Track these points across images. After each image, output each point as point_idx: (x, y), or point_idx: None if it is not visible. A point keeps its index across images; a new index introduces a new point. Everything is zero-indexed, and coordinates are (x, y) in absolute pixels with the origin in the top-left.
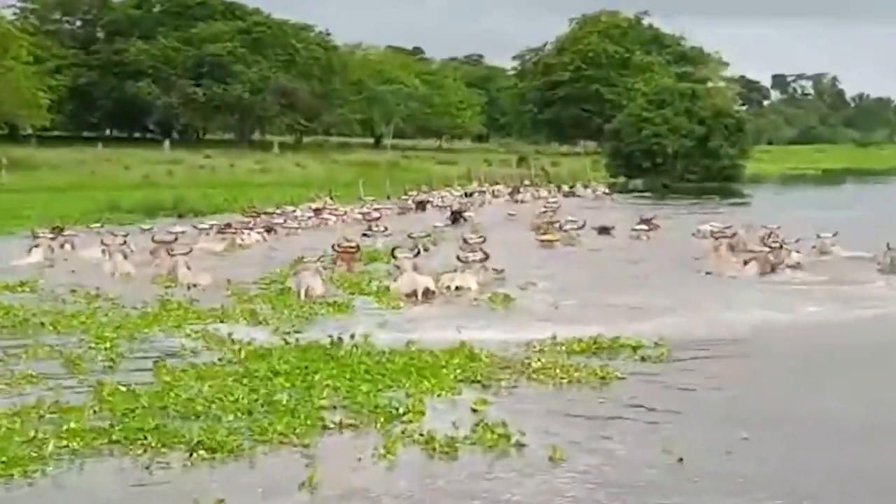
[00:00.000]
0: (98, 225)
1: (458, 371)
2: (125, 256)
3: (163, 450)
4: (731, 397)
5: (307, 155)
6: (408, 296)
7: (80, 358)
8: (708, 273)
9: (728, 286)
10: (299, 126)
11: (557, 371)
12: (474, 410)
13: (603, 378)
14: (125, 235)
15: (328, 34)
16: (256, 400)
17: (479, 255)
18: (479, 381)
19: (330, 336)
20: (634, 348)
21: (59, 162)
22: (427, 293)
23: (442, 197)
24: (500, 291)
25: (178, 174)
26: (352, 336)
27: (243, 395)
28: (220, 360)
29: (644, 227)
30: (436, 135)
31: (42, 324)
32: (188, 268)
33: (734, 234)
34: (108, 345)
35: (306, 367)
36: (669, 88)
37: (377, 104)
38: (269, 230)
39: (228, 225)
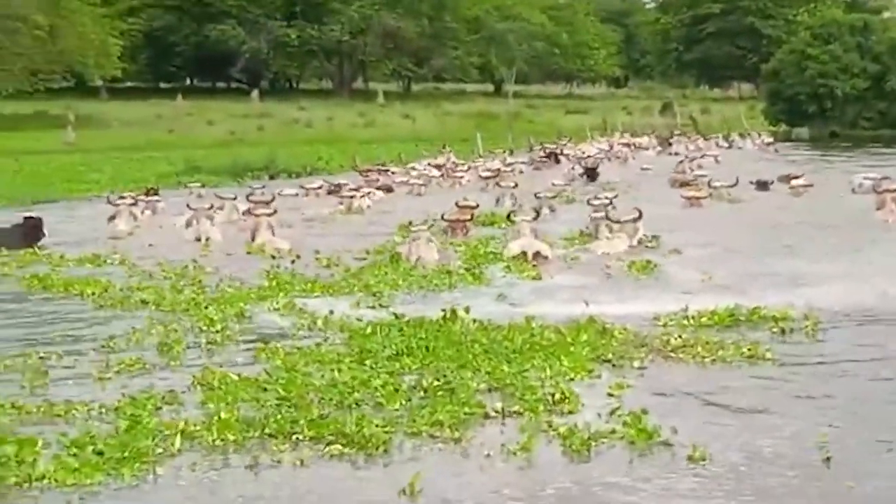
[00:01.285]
0: (198, 186)
1: (588, 349)
2: (212, 221)
3: (317, 445)
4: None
5: (416, 105)
6: (515, 258)
7: (180, 342)
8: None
9: None
10: (407, 72)
11: (699, 349)
12: (611, 395)
13: (751, 357)
14: (233, 198)
15: None
16: (401, 385)
17: (633, 215)
18: (609, 361)
19: (443, 310)
20: (777, 320)
21: (132, 117)
22: (537, 257)
23: (581, 151)
24: (642, 258)
25: (268, 129)
26: (467, 310)
27: (381, 380)
28: (325, 339)
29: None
30: (565, 80)
31: (144, 301)
32: (272, 232)
33: None
34: (218, 326)
35: (426, 347)
36: (838, 20)
37: (496, 45)
38: (387, 190)
39: (339, 186)
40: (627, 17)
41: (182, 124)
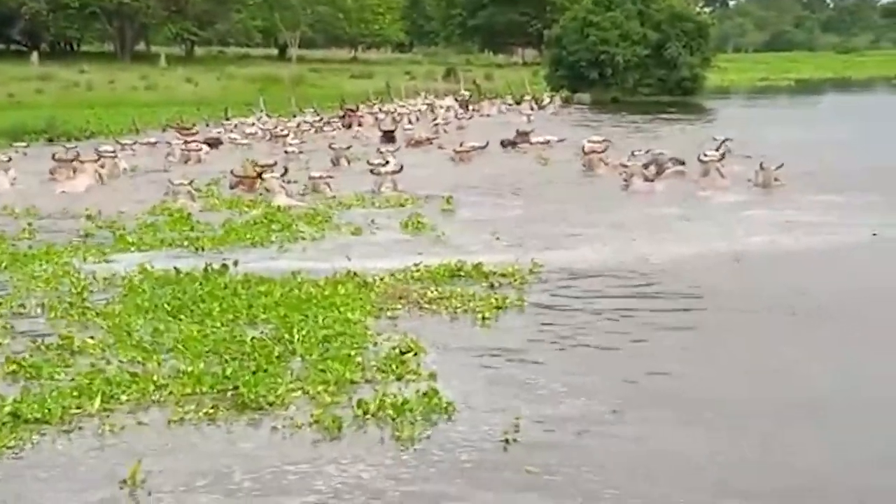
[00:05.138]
0: (23, 145)
1: (348, 302)
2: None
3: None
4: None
5: (199, 69)
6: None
7: None
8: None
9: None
10: (190, 35)
11: (454, 300)
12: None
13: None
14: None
15: None
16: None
17: (391, 167)
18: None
19: (207, 265)
20: (488, 275)
21: None
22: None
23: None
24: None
25: (49, 92)
26: (235, 264)
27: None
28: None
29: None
30: (350, 45)
31: None
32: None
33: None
34: None
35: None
36: None
37: (280, 9)
38: (212, 145)
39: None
40: None
41: None
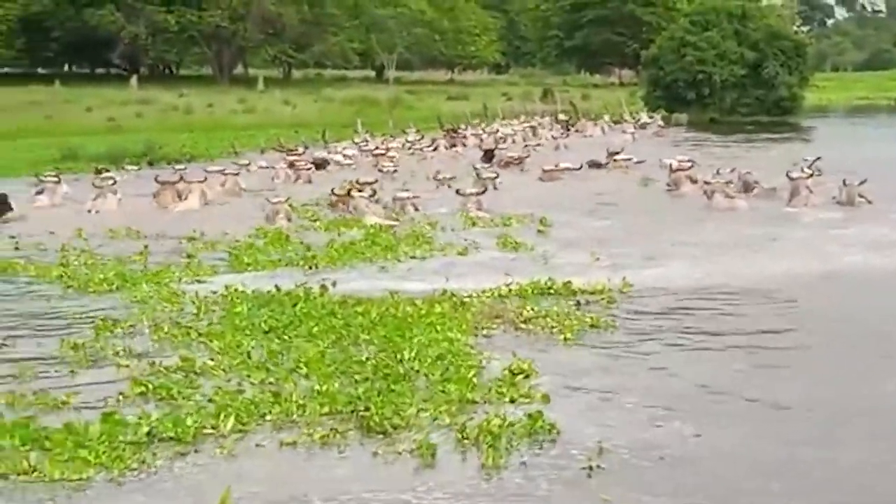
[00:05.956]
0: (136, 168)
1: (443, 321)
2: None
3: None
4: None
5: (297, 91)
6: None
7: None
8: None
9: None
10: (287, 58)
11: (548, 320)
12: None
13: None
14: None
15: None
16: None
17: (477, 189)
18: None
19: (299, 285)
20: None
21: (8, 103)
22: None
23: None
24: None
25: (147, 116)
26: (333, 284)
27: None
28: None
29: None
30: (447, 66)
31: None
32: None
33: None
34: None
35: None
36: (715, 7)
37: (377, 31)
38: (319, 165)
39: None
40: (508, 4)
41: (60, 111)
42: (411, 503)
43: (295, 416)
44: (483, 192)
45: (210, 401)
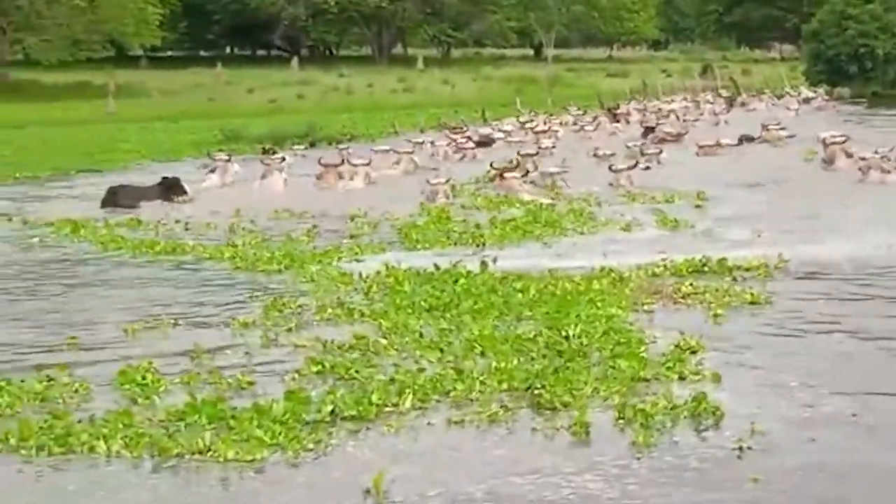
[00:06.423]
0: (302, 148)
1: (603, 297)
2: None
3: None
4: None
5: (456, 71)
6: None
7: None
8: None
9: None
10: (446, 38)
11: (707, 296)
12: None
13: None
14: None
15: None
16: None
17: (628, 163)
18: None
19: (453, 263)
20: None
21: (172, 86)
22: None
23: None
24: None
25: (308, 97)
26: (494, 261)
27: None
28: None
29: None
30: (606, 43)
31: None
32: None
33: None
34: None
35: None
36: None
37: (535, 9)
38: (485, 143)
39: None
40: None
41: (222, 93)
42: (562, 486)
43: (474, 394)
44: (634, 167)
45: (392, 379)
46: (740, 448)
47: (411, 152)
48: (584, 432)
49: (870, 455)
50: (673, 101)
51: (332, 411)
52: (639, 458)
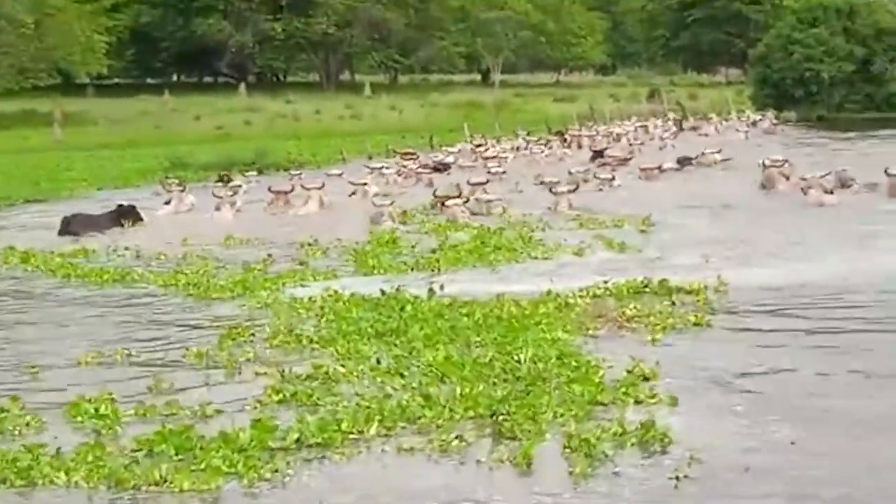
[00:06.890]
0: (254, 175)
1: (549, 321)
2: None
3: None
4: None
5: (403, 97)
6: None
7: None
8: None
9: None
10: (393, 64)
11: (651, 318)
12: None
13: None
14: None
15: None
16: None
17: (568, 187)
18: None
19: (394, 289)
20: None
21: (119, 114)
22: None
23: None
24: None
25: (256, 123)
26: (441, 287)
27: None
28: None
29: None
30: (553, 68)
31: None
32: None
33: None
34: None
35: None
36: (823, 4)
37: (483, 35)
38: (440, 169)
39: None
40: (614, 5)
41: (168, 120)
42: None
43: (441, 421)
44: (574, 191)
45: (358, 406)
46: (677, 478)
47: (365, 184)
48: (527, 464)
49: (803, 485)
50: (624, 124)
51: (298, 439)
52: (575, 489)
